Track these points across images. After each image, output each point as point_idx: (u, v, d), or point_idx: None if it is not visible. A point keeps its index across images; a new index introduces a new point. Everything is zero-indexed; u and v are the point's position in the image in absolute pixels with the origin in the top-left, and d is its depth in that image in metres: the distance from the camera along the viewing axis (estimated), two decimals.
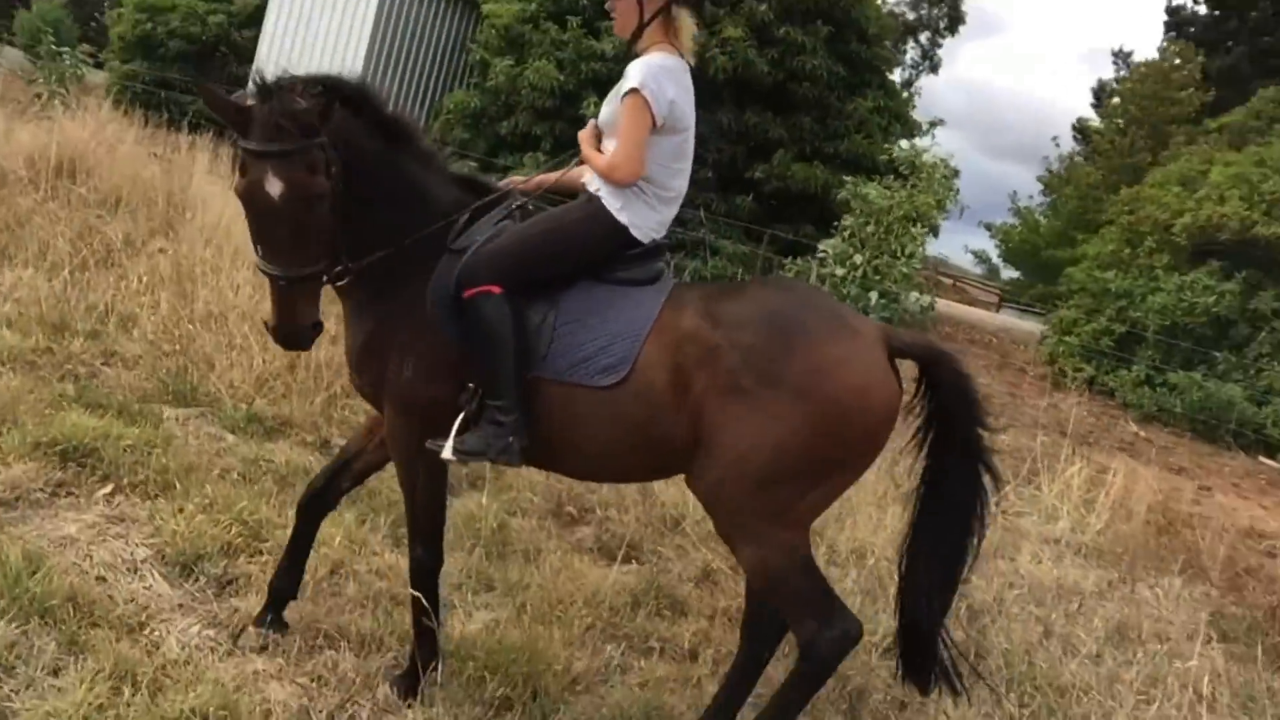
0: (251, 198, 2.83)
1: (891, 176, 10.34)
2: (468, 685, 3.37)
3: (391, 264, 3.16)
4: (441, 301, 3.13)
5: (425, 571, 3.32)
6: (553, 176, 3.51)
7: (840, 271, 9.06)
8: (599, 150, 3.27)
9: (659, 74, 3.13)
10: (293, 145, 2.83)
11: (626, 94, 3.12)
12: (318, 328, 3.01)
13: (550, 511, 5.10)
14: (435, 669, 3.32)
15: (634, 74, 3.13)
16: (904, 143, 12.93)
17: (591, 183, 3.29)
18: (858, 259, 8.83)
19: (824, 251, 9.56)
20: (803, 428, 2.86)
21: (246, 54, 19.86)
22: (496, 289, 3.06)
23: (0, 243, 7.53)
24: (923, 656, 3.26)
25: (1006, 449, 7.93)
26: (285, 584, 3.57)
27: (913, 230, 9.12)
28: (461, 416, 3.11)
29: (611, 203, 3.20)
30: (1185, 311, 12.41)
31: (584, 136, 3.37)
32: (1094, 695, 4.35)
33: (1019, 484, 7.21)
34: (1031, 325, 19.29)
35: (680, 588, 4.55)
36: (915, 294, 9.44)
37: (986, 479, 3.14)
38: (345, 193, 2.99)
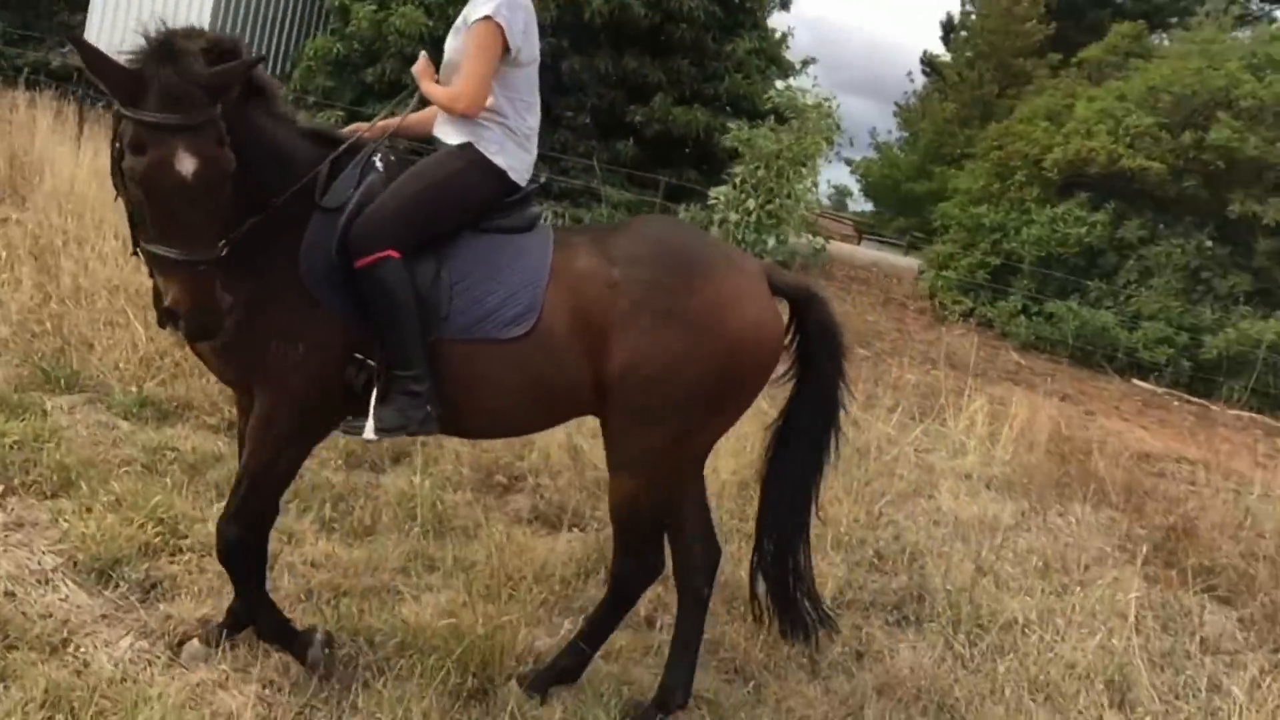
0: (158, 178, 2.48)
1: (774, 119, 10.31)
2: (431, 677, 3.18)
3: (258, 233, 2.86)
4: (321, 271, 2.90)
5: (242, 548, 3.02)
6: (395, 121, 3.31)
7: (734, 217, 9.01)
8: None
9: (511, 2, 3.07)
10: (202, 117, 2.54)
11: (477, 21, 3.05)
12: (233, 310, 2.70)
13: (481, 482, 4.89)
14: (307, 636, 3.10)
15: (485, 2, 3.06)
16: (780, 84, 12.89)
17: (443, 124, 3.20)
18: (750, 204, 8.78)
19: (715, 198, 9.48)
20: (704, 361, 2.92)
21: (78, 2, 18.44)
22: (395, 253, 2.90)
23: None
24: (779, 594, 3.45)
25: (908, 386, 8.06)
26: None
27: (802, 171, 9.13)
28: (376, 393, 2.94)
29: (488, 147, 3.13)
30: (1058, 243, 12.88)
31: (419, 70, 3.26)
32: (1035, 629, 4.45)
33: (928, 421, 7.35)
34: (898, 258, 19.78)
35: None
36: (809, 235, 9.48)
37: (840, 416, 3.33)
38: None
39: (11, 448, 4.10)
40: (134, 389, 5.01)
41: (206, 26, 15.28)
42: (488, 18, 3.02)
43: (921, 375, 8.54)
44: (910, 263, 18.72)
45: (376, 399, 2.94)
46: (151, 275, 2.73)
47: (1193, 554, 5.76)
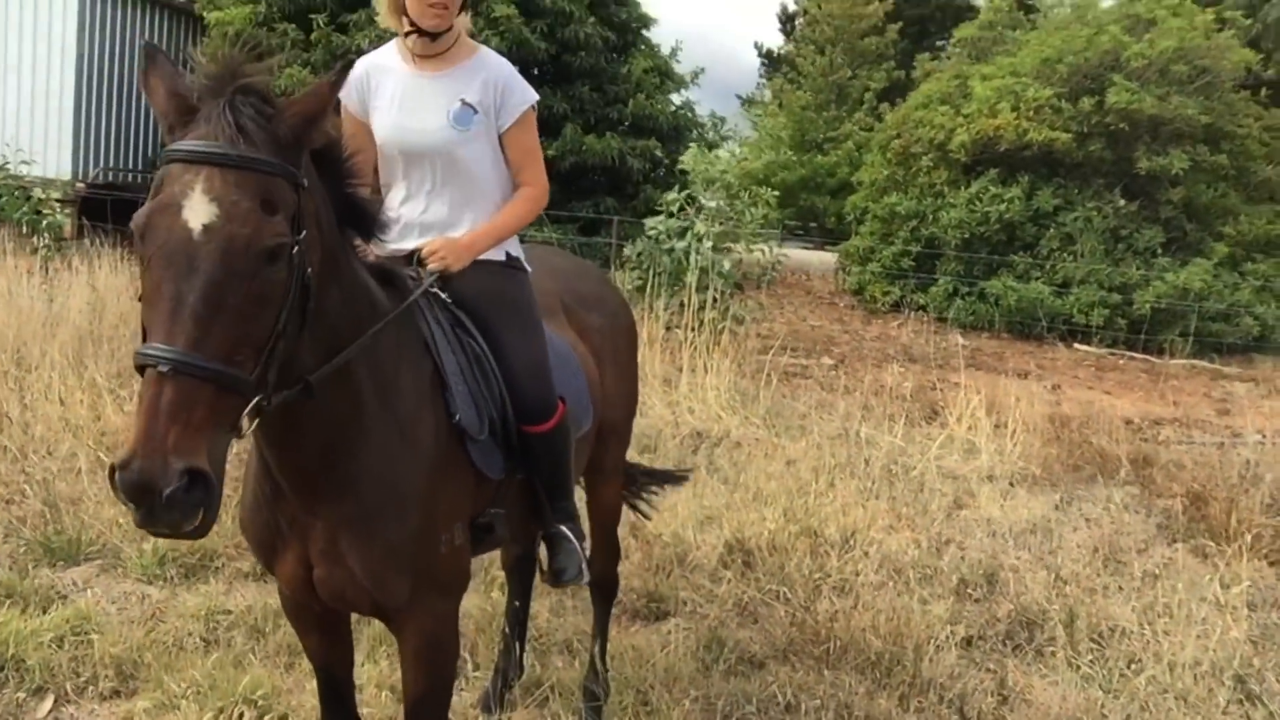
0: (165, 220, 1.73)
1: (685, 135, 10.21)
2: None
3: (359, 383, 2.17)
4: (479, 438, 2.41)
5: None
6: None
7: (681, 244, 8.85)
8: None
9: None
10: (256, 155, 1.79)
11: (529, 108, 2.73)
12: (197, 482, 1.63)
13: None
14: None
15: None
16: (676, 98, 12.76)
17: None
18: (700, 227, 8.64)
19: (654, 229, 9.30)
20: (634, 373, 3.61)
21: None
22: (563, 403, 2.69)
23: None
24: None
25: (888, 390, 8.03)
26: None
27: (758, 193, 9.04)
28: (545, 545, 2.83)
29: (515, 247, 2.81)
30: (979, 222, 13.16)
31: (452, 247, 2.61)
32: (1141, 632, 4.39)
33: (928, 425, 7.33)
34: (798, 252, 19.96)
35: (734, 633, 4.19)
36: (763, 249, 9.40)
37: None
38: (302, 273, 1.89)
39: (50, 648, 3.62)
40: (145, 546, 4.53)
41: (69, 131, 14.31)
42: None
43: (894, 376, 8.53)
44: (811, 256, 18.95)
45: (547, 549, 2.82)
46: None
47: (1222, 518, 5.84)
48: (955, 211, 13.26)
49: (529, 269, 2.81)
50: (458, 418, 2.34)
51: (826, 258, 17.81)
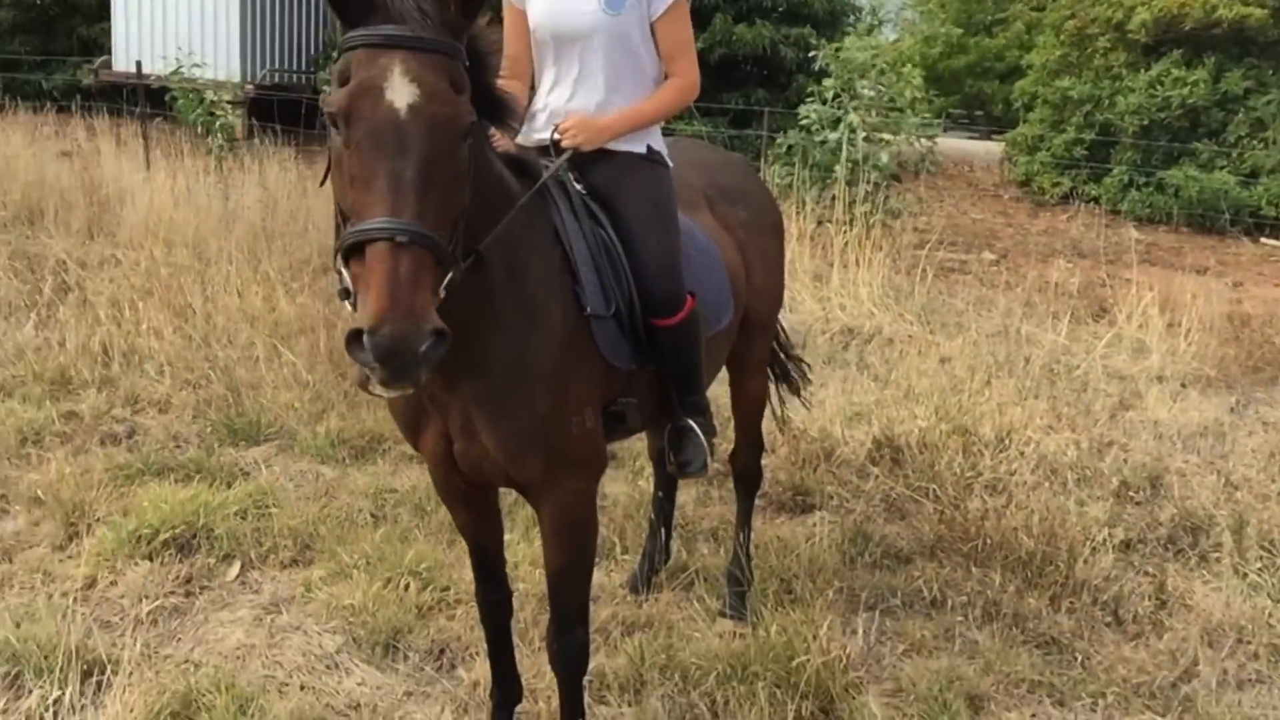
0: (369, 103, 1.80)
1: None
2: (770, 704, 2.97)
3: (506, 264, 2.26)
4: (607, 327, 2.45)
5: (588, 648, 2.66)
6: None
7: (834, 135, 8.59)
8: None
9: None
10: (443, 39, 1.87)
11: None
12: (442, 339, 1.76)
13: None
14: None
15: None
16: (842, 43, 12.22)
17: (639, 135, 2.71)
18: (854, 118, 8.35)
19: (807, 117, 9.04)
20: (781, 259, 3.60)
21: (93, 12, 18.08)
22: (692, 298, 2.67)
23: None
24: None
25: (1053, 286, 7.69)
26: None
27: (904, 73, 8.62)
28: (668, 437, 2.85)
29: (658, 141, 2.77)
30: (1159, 107, 12.26)
31: (588, 127, 2.60)
32: None
33: (1095, 324, 7.01)
34: (962, 143, 19.08)
35: (880, 528, 4.18)
36: (919, 141, 9.03)
37: None
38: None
39: (234, 518, 3.93)
40: (319, 429, 4.82)
41: (235, 34, 14.82)
42: None
43: (1060, 272, 8.15)
44: (976, 146, 18.08)
45: (670, 442, 2.83)
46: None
47: None
48: (1134, 96, 12.32)
49: (670, 164, 2.78)
50: (587, 309, 2.38)
51: (991, 148, 16.94)
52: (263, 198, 8.66)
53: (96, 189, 9.56)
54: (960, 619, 3.57)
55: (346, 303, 1.86)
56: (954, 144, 17.26)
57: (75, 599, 3.38)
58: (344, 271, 1.84)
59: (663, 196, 2.70)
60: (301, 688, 3.04)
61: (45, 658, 2.96)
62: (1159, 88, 12.42)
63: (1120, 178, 12.29)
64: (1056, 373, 5.98)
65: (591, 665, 2.73)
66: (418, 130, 1.80)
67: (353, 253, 1.79)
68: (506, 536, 3.70)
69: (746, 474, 3.65)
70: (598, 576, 3.50)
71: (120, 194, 9.31)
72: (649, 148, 2.71)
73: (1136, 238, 10.08)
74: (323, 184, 1.97)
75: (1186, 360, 6.42)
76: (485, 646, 2.85)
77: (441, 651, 3.26)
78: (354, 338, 1.73)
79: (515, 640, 3.00)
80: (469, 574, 2.85)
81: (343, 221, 1.86)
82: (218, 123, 10.88)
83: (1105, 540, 4.07)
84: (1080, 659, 3.38)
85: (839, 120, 8.77)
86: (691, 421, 2.76)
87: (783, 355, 3.93)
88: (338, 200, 1.88)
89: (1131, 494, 4.58)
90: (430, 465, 2.58)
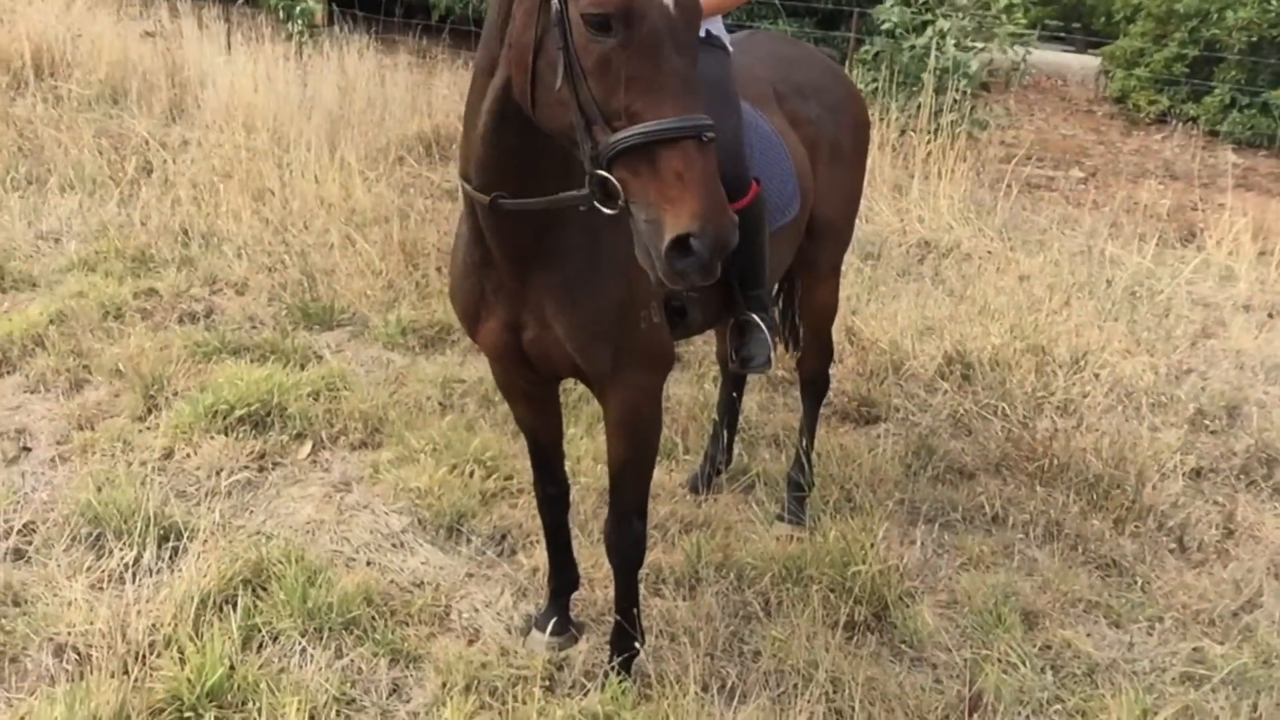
0: (647, 2, 1.78)
1: None
2: (820, 608, 2.99)
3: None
4: None
5: (644, 542, 2.68)
6: None
7: (920, 41, 8.27)
8: None
9: None
10: None
11: None
12: (736, 229, 1.81)
13: (758, 382, 4.63)
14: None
15: None
16: None
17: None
18: (942, 23, 8.02)
19: (886, 20, 8.71)
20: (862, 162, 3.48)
21: None
22: (757, 183, 2.63)
23: (24, 169, 6.74)
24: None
25: (1142, 208, 7.41)
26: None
27: None
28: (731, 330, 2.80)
29: (723, 35, 2.78)
30: (1272, 23, 11.57)
31: None
32: None
33: (1182, 248, 6.77)
34: (1056, 56, 18.26)
35: (945, 443, 4.15)
36: (1011, 49, 8.63)
37: None
38: None
39: (307, 399, 4.02)
40: (390, 317, 4.88)
41: None
42: None
43: (1150, 193, 7.84)
44: (1071, 59, 17.30)
45: (733, 337, 2.80)
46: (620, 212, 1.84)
47: None
48: (1244, 10, 11.60)
49: (729, 49, 2.76)
50: None
51: (1088, 61, 16.17)
52: (341, 84, 8.65)
53: (178, 70, 9.64)
54: (1020, 536, 3.55)
55: (602, 206, 1.84)
56: (1048, 56, 16.51)
57: (153, 468, 3.51)
58: (607, 175, 1.79)
59: (723, 78, 2.65)
60: (368, 564, 3.15)
61: (125, 522, 3.10)
62: (1274, 1, 11.70)
63: (1222, 97, 11.68)
64: (1138, 296, 5.80)
65: (648, 560, 2.77)
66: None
67: (626, 155, 1.75)
68: (569, 432, 3.77)
69: (813, 381, 3.62)
70: (658, 475, 3.53)
71: (201, 76, 9.38)
72: (709, 32, 2.69)
73: (1234, 161, 9.64)
74: (559, 86, 1.84)
75: (1276, 290, 6.18)
76: (544, 536, 2.91)
77: (503, 537, 3.34)
78: (678, 244, 1.71)
79: (574, 531, 3.05)
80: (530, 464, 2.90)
81: (589, 125, 1.80)
82: (298, 8, 10.83)
83: (1176, 467, 3.99)
84: (1140, 583, 3.35)
85: (926, 25, 8.43)
86: (755, 316, 2.72)
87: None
88: (598, 102, 1.79)
89: (1207, 422, 4.47)
90: (491, 358, 2.59)
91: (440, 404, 4.11)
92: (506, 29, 1.97)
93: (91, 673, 2.49)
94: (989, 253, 6.47)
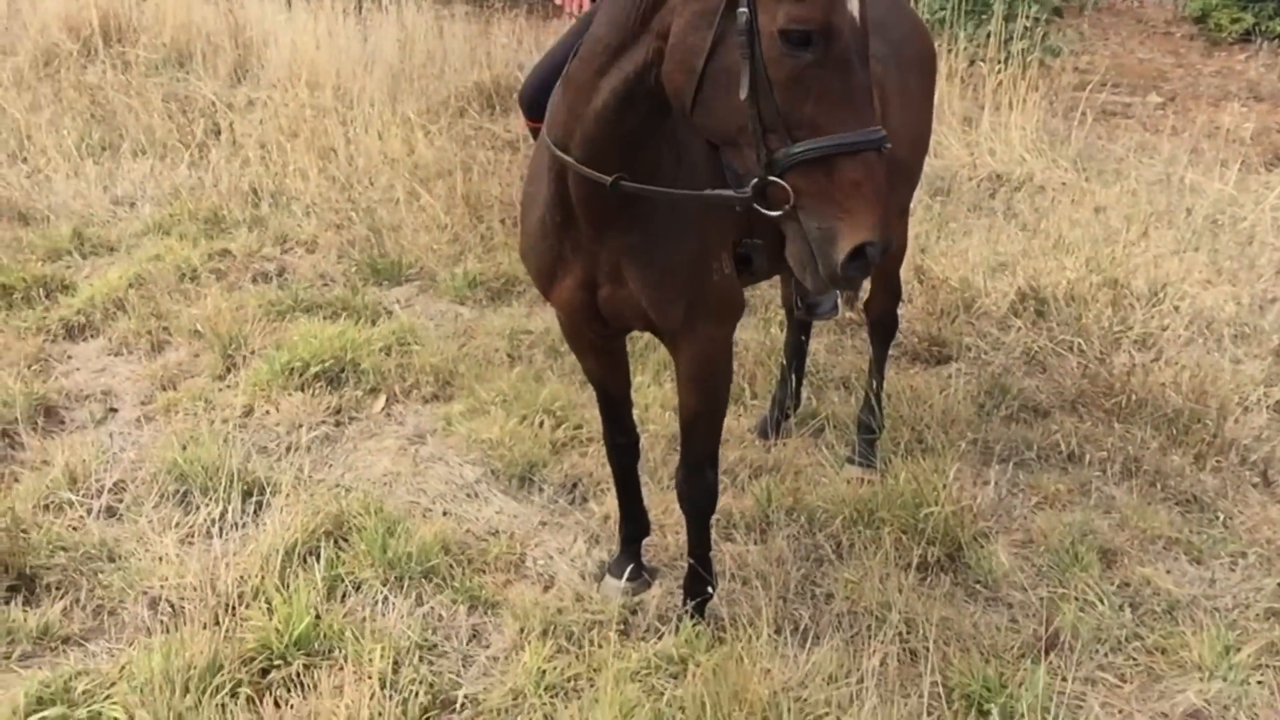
0: (843, 17, 1.78)
1: None
2: (895, 549, 2.99)
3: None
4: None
5: (715, 493, 2.71)
6: None
7: None
8: None
9: None
10: None
11: None
12: None
13: (825, 325, 4.58)
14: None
15: None
16: None
17: None
18: None
19: None
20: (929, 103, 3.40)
21: None
22: None
23: (97, 135, 6.89)
24: None
25: (1224, 132, 7.12)
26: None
27: None
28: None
29: None
30: None
31: None
32: None
33: (1267, 173, 6.50)
34: None
35: (1019, 381, 4.08)
36: None
37: None
38: None
39: (379, 354, 4.09)
40: (457, 270, 4.93)
41: None
42: None
43: (1233, 117, 7.53)
44: None
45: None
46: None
47: None
48: None
49: None
50: None
51: None
52: (400, 38, 8.66)
53: (241, 31, 9.73)
54: (1098, 474, 3.49)
55: (765, 210, 1.84)
56: None
57: (235, 425, 3.62)
58: (780, 181, 1.79)
59: None
60: (444, 514, 3.21)
61: (210, 478, 3.20)
62: None
63: None
64: (1220, 224, 5.60)
65: (719, 505, 2.79)
66: (863, 39, 1.82)
67: (805, 164, 1.77)
68: (636, 381, 3.78)
69: (881, 322, 3.57)
70: (727, 421, 3.51)
71: (264, 36, 9.46)
72: None
73: None
74: (745, 96, 1.79)
75: None
76: (614, 484, 2.94)
77: (574, 485, 3.38)
78: (857, 254, 1.75)
79: (644, 478, 3.09)
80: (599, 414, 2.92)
81: (765, 133, 1.79)
82: None
83: (1260, 400, 3.88)
84: (1222, 518, 3.28)
85: None
86: None
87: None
88: (782, 113, 1.77)
89: None
90: (563, 315, 2.60)
91: (509, 355, 4.15)
92: (654, 15, 1.93)
93: (185, 624, 2.60)
94: (1063, 184, 6.29)
